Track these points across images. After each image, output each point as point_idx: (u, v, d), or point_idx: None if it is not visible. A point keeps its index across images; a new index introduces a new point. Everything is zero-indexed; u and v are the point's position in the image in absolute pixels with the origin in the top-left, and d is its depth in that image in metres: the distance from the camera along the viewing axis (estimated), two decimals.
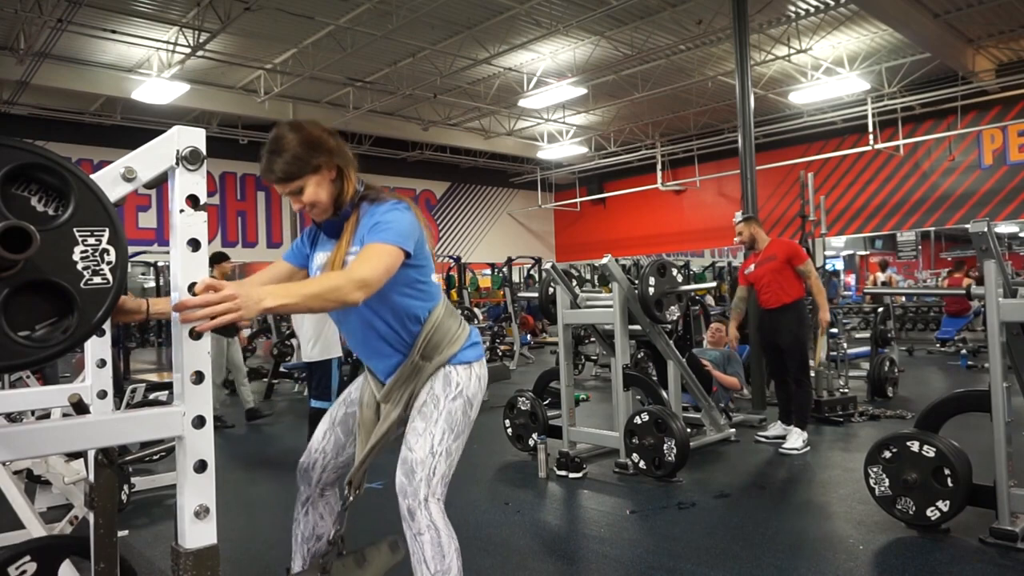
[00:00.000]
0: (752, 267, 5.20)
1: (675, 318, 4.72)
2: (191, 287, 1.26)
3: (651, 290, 4.47)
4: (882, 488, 3.26)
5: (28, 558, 1.79)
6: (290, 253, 2.13)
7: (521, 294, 7.39)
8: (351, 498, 2.08)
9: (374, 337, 2.00)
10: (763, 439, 5.16)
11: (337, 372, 4.86)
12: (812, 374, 5.53)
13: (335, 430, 2.18)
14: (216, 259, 6.42)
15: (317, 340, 4.73)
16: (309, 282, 1.64)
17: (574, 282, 5.06)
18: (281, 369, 8.81)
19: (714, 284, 13.00)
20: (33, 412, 3.20)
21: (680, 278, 4.74)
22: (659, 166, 16.63)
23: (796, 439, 4.86)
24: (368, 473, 2.14)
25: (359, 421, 2.11)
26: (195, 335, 1.25)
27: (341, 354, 4.89)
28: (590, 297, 4.92)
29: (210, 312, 1.25)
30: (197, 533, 1.23)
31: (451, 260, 15.03)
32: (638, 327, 4.70)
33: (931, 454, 3.11)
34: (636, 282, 4.67)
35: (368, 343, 2.03)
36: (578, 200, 18.56)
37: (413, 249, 1.86)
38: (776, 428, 5.19)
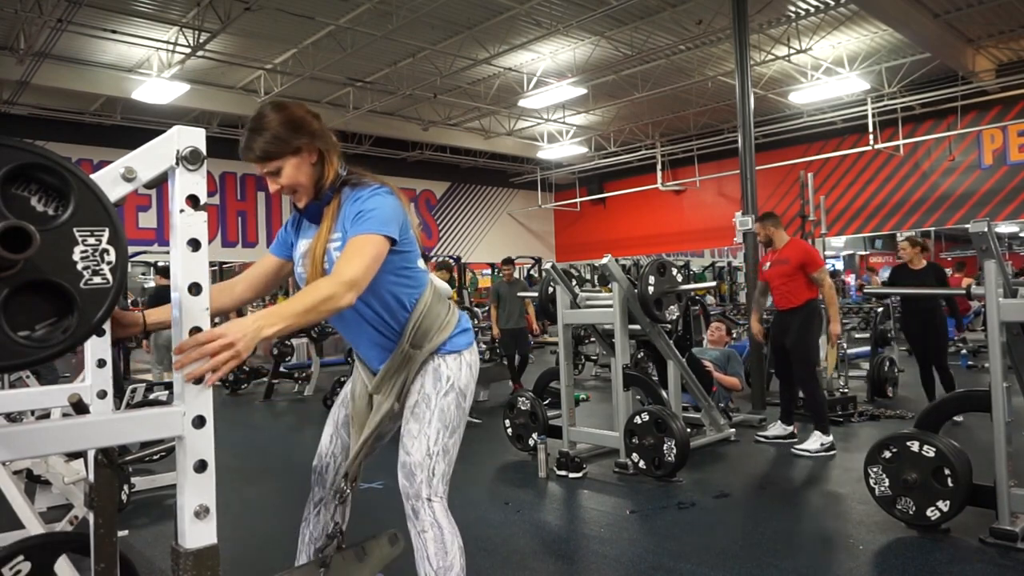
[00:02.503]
0: (768, 265, 5.19)
1: (674, 318, 4.72)
2: (193, 332, 1.26)
3: (651, 289, 4.47)
4: (882, 488, 3.26)
5: (22, 557, 1.78)
6: (276, 244, 2.10)
7: (520, 294, 7.38)
8: (347, 490, 2.08)
9: (363, 324, 1.98)
10: (763, 439, 5.16)
11: None
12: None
13: (340, 433, 2.18)
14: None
15: None
16: (299, 297, 1.61)
17: (574, 282, 5.05)
18: (281, 369, 8.82)
19: (713, 284, 13.01)
20: (33, 412, 3.20)
21: (680, 278, 4.74)
22: (659, 166, 16.63)
23: (813, 441, 4.80)
24: (367, 470, 2.13)
25: (352, 413, 2.09)
26: (197, 382, 1.26)
27: None
28: (590, 297, 4.92)
29: (212, 366, 1.25)
30: (197, 533, 1.22)
31: (451, 260, 15.05)
32: (638, 327, 4.70)
33: (931, 454, 3.11)
34: (636, 282, 4.67)
35: (358, 331, 2.01)
36: (578, 200, 18.56)
37: (398, 234, 1.83)
38: (776, 428, 5.19)
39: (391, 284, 1.93)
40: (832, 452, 4.75)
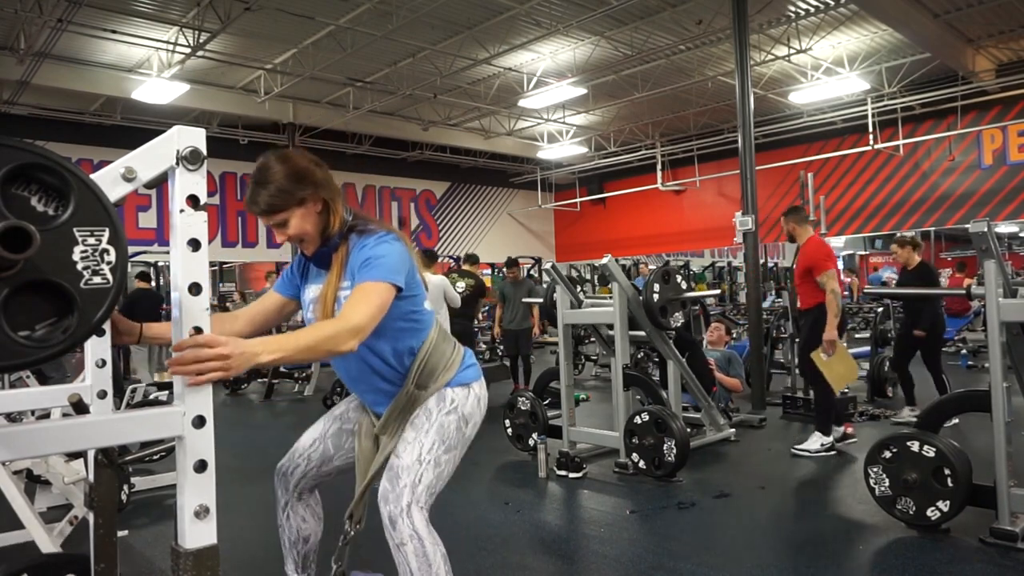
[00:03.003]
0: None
1: (679, 324, 4.73)
2: (193, 332, 1.26)
3: (656, 297, 4.48)
4: (882, 488, 3.26)
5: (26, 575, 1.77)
6: (281, 283, 2.11)
7: (525, 299, 7.42)
8: (352, 532, 2.05)
9: (368, 372, 1.98)
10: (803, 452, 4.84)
11: None
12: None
13: (325, 441, 2.16)
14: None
15: None
16: (303, 333, 1.61)
17: (578, 288, 5.04)
18: (281, 369, 8.81)
19: (718, 292, 12.99)
20: (33, 412, 3.20)
21: (684, 284, 4.75)
22: (659, 166, 16.62)
23: (812, 441, 4.79)
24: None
25: (357, 453, 2.08)
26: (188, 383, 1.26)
27: None
28: (595, 302, 4.94)
29: (199, 368, 1.25)
30: (197, 533, 1.22)
31: (451, 260, 15.04)
32: (641, 332, 4.71)
33: (931, 454, 3.11)
34: (636, 282, 4.68)
35: (362, 379, 2.01)
36: (578, 200, 18.55)
37: (404, 282, 1.84)
38: (812, 441, 4.90)
39: (399, 330, 1.94)
40: (832, 453, 4.73)
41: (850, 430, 4.96)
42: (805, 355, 4.90)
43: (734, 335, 7.89)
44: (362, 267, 1.81)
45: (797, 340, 6.20)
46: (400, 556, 1.79)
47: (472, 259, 7.72)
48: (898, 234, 7.16)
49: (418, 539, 1.78)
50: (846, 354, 4.74)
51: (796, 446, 4.84)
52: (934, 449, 3.11)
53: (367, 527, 2.09)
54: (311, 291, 2.01)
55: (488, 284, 14.07)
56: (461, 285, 6.93)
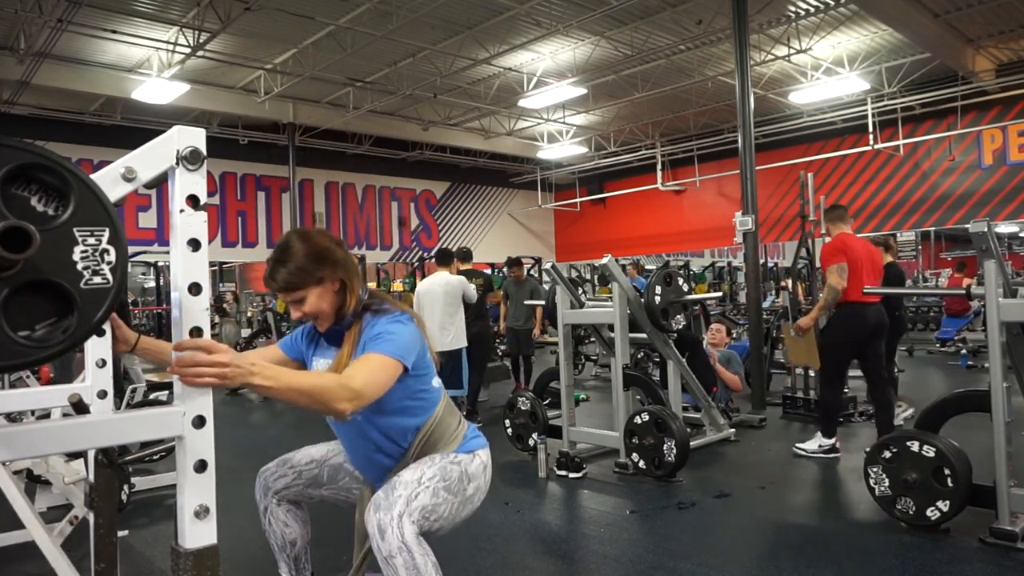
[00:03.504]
0: None
1: (680, 327, 4.73)
2: (193, 332, 1.26)
3: (657, 299, 4.48)
4: (882, 488, 3.26)
5: None
6: (286, 343, 2.12)
7: (528, 302, 7.39)
8: None
9: (369, 447, 1.98)
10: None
11: (466, 361, 5.70)
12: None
13: (323, 467, 2.17)
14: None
15: (449, 330, 5.49)
16: (303, 375, 1.61)
17: (579, 289, 5.03)
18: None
19: (720, 295, 12.98)
20: (33, 412, 3.20)
21: (686, 287, 4.75)
22: (659, 166, 16.63)
23: (812, 442, 4.74)
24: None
25: (356, 521, 2.07)
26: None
27: (466, 343, 5.72)
28: (597, 305, 4.94)
29: (197, 372, 1.25)
30: (197, 533, 1.22)
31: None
32: (642, 335, 4.71)
33: (931, 454, 3.11)
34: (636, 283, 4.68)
35: (362, 453, 2.01)
36: (578, 200, 18.55)
37: (413, 363, 1.84)
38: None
39: (404, 409, 1.94)
40: (833, 455, 4.65)
41: (838, 444, 4.75)
42: (824, 355, 4.76)
43: (734, 335, 7.88)
44: (372, 340, 1.83)
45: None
46: (389, 570, 1.72)
47: (466, 255, 7.37)
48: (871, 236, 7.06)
49: (407, 551, 1.73)
50: (813, 344, 4.90)
51: (797, 444, 4.82)
52: (934, 449, 3.11)
53: (362, 539, 2.09)
54: (319, 364, 2.02)
55: None
56: (472, 285, 6.80)
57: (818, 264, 4.99)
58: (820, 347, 4.82)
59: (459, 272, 6.55)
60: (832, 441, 4.71)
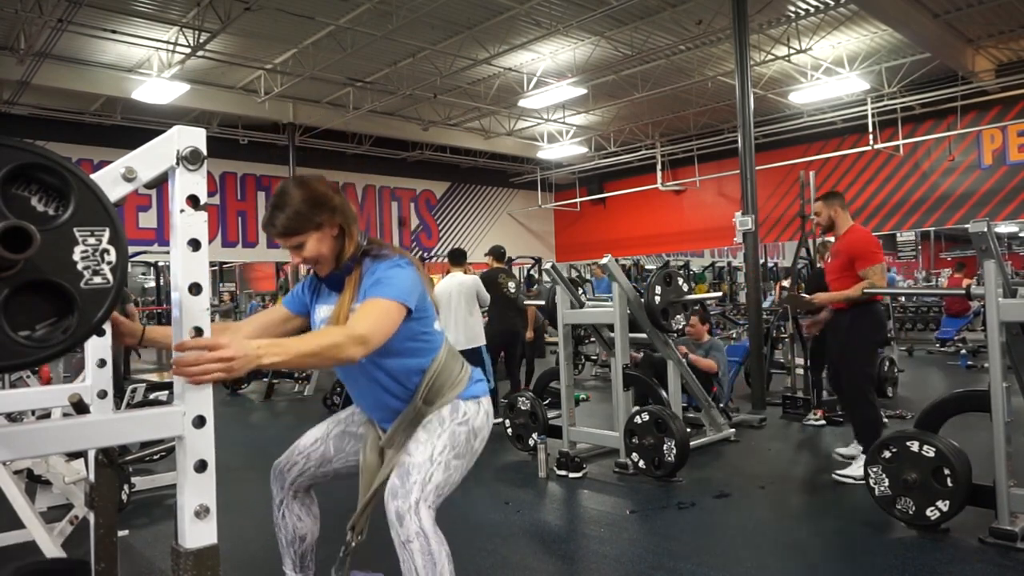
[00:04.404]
0: (828, 257, 4.38)
1: (681, 327, 4.72)
2: (193, 332, 1.26)
3: (657, 299, 4.48)
4: (882, 488, 3.26)
5: None
6: (289, 299, 2.14)
7: (528, 302, 7.36)
8: (353, 544, 2.06)
9: (378, 389, 2.01)
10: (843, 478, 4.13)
11: (488, 358, 5.72)
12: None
13: (327, 442, 2.19)
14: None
15: (465, 330, 5.51)
16: (307, 338, 1.63)
17: (579, 290, 5.02)
18: (281, 369, 8.80)
19: (720, 295, 12.97)
20: (33, 412, 3.20)
21: (686, 287, 4.74)
22: (659, 166, 16.62)
23: (857, 467, 3.96)
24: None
25: (362, 466, 2.10)
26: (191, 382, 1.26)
27: (485, 342, 5.73)
28: (597, 305, 4.94)
29: (202, 370, 1.26)
30: (197, 533, 1.23)
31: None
32: (642, 335, 4.71)
33: (931, 454, 3.11)
34: (638, 286, 4.68)
35: (371, 395, 2.04)
36: (578, 200, 18.55)
37: (415, 305, 1.87)
38: (851, 448, 4.35)
39: (408, 351, 1.97)
40: None
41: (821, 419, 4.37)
42: (848, 366, 4.12)
43: (712, 326, 7.65)
44: (373, 285, 1.86)
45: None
46: (405, 554, 1.80)
47: (500, 254, 6.89)
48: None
49: (424, 537, 1.80)
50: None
51: (838, 472, 4.12)
52: (934, 449, 3.11)
53: (368, 530, 2.09)
54: (322, 311, 2.04)
55: None
56: (512, 285, 6.51)
57: (834, 251, 4.29)
58: (843, 355, 4.17)
59: (492, 270, 6.50)
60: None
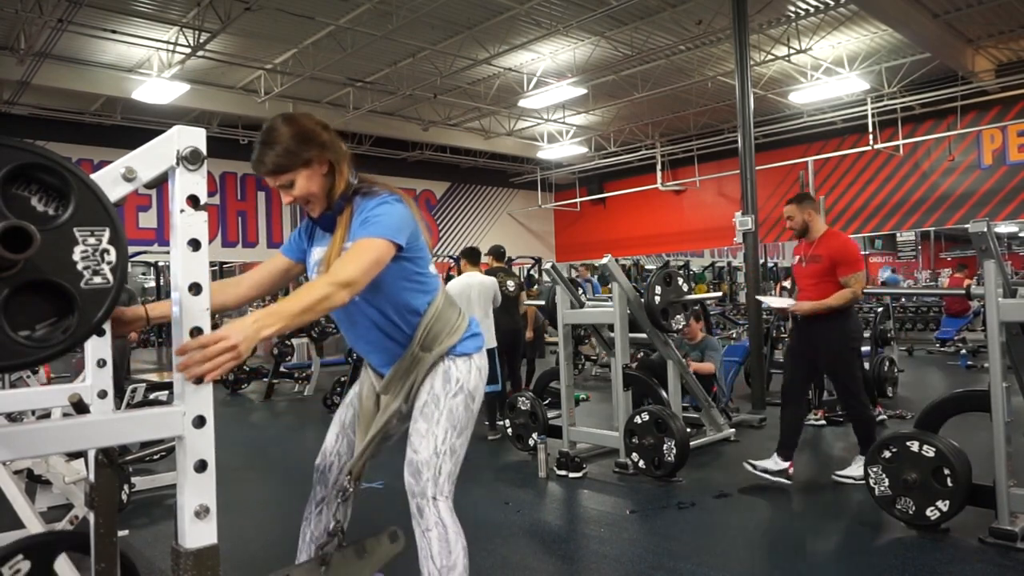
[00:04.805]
0: (798, 259, 4.26)
1: (681, 327, 4.72)
2: (193, 332, 1.26)
3: (657, 299, 4.48)
4: (882, 488, 3.26)
5: (21, 556, 1.79)
6: (287, 246, 2.13)
7: (528, 302, 7.34)
8: (351, 489, 2.08)
9: (373, 330, 2.00)
10: (757, 471, 4.15)
11: (496, 359, 5.64)
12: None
13: (346, 432, 2.19)
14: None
15: (484, 331, 5.16)
16: (297, 297, 1.60)
17: (580, 291, 5.01)
18: (281, 369, 8.82)
19: (719, 295, 12.96)
20: (33, 412, 3.20)
21: (686, 287, 4.74)
22: (659, 166, 16.62)
23: (857, 467, 3.98)
24: (370, 470, 2.14)
25: (359, 412, 2.11)
26: (197, 382, 1.26)
27: (496, 344, 5.66)
28: (597, 305, 4.94)
29: (212, 365, 1.26)
30: (197, 533, 1.22)
31: (451, 260, 15.03)
32: (642, 335, 4.71)
33: (931, 454, 3.11)
34: (638, 286, 4.68)
35: (367, 336, 2.03)
36: (578, 200, 18.55)
37: (406, 241, 1.85)
38: (768, 463, 4.17)
39: (403, 290, 1.96)
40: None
41: (791, 470, 4.15)
42: (844, 370, 4.05)
43: (711, 325, 7.62)
44: (362, 224, 1.84)
45: (810, 356, 6.07)
46: (424, 542, 1.89)
47: (500, 254, 6.82)
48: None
49: (443, 526, 1.89)
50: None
51: (838, 472, 4.14)
52: (934, 449, 3.11)
53: (370, 526, 2.09)
54: (316, 253, 2.03)
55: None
56: (511, 284, 6.42)
57: (811, 255, 4.13)
58: (837, 363, 4.09)
59: (492, 269, 6.41)
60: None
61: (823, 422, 5.71)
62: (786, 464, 4.12)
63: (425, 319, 2.00)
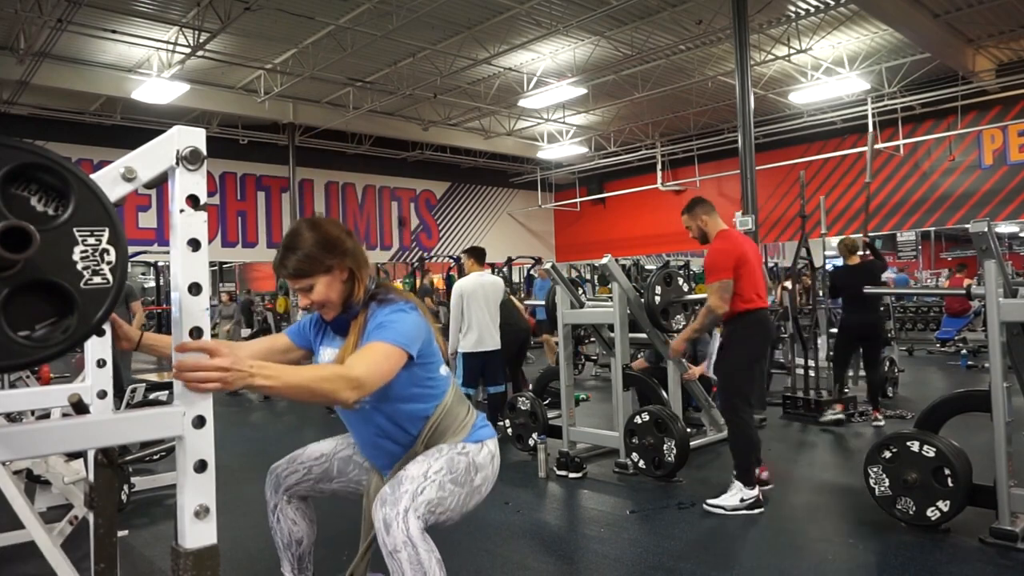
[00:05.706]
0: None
1: (681, 327, 4.71)
2: (193, 332, 1.26)
3: (657, 299, 4.48)
4: (882, 488, 3.26)
5: None
6: (294, 331, 2.13)
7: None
8: None
9: (379, 435, 1.99)
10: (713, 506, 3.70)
11: (501, 361, 5.66)
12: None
13: (332, 461, 2.18)
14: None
15: (492, 331, 5.46)
16: (303, 370, 1.59)
17: (580, 290, 4.99)
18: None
19: None
20: (33, 412, 3.20)
21: (686, 287, 4.73)
22: (659, 166, 16.63)
23: (731, 496, 3.64)
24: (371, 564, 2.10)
25: (363, 509, 2.08)
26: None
27: (500, 346, 5.65)
28: (597, 305, 4.93)
29: (202, 377, 1.25)
30: (197, 533, 1.22)
31: (451, 260, 15.02)
32: (642, 335, 4.70)
33: (931, 454, 3.11)
34: (638, 286, 4.67)
35: (372, 440, 2.02)
36: (578, 200, 18.56)
37: (418, 351, 1.84)
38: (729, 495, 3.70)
39: (412, 396, 1.95)
40: (757, 511, 3.58)
41: (765, 474, 3.96)
42: (721, 379, 3.93)
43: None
44: (375, 329, 1.83)
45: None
46: (394, 564, 1.74)
47: (481, 255, 6.67)
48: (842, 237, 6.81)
49: (412, 546, 1.73)
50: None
51: (709, 501, 3.69)
52: (934, 449, 3.11)
53: (369, 526, 2.08)
54: (326, 354, 2.03)
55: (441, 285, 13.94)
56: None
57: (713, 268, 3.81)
58: (717, 369, 4.02)
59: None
60: (755, 492, 3.62)
61: (842, 416, 5.73)
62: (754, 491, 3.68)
63: (432, 419, 1.98)
